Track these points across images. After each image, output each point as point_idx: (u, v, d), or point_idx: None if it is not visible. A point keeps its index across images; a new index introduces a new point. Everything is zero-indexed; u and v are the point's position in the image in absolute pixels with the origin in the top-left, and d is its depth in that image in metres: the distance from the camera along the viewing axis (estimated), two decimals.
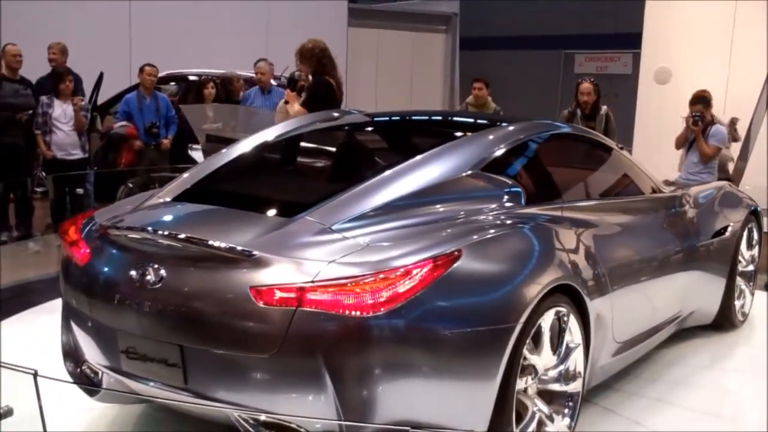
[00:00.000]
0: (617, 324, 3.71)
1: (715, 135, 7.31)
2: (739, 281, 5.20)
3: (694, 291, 4.62)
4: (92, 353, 3.23)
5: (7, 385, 2.86)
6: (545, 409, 3.22)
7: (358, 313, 2.65)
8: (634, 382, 4.26)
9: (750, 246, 5.35)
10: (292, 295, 2.67)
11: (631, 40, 12.49)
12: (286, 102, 6.09)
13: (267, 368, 2.73)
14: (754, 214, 5.34)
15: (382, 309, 2.66)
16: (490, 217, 3.26)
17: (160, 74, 9.04)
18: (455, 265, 2.81)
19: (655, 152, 8.97)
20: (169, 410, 3.50)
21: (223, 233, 2.92)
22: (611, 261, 3.68)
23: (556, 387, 3.29)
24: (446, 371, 2.80)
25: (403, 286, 2.69)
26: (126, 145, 8.42)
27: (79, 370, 3.36)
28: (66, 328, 3.42)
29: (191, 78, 10.47)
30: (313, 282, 2.68)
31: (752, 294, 5.44)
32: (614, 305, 3.64)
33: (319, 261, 2.74)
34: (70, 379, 3.36)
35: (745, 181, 8.25)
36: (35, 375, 2.34)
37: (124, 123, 8.41)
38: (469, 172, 3.43)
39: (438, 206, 3.23)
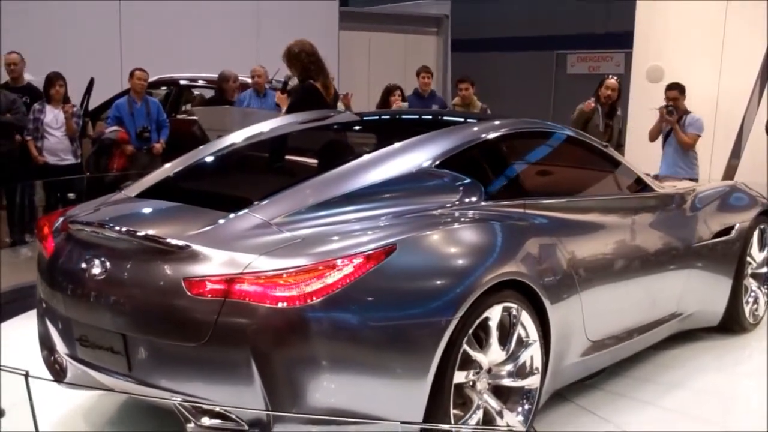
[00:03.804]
0: (590, 322, 3.66)
1: (692, 123, 7.36)
2: (751, 283, 5.02)
3: (692, 291, 4.51)
4: (58, 342, 3.34)
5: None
6: (494, 403, 3.20)
7: (284, 304, 2.69)
8: (622, 383, 4.16)
9: (762, 247, 5.12)
10: (221, 286, 2.73)
11: (623, 40, 12.51)
12: (278, 105, 6.12)
13: (199, 357, 2.79)
14: None
15: (308, 300, 2.70)
16: (442, 212, 3.25)
17: (151, 79, 9.02)
18: (388, 259, 2.83)
19: (647, 150, 8.97)
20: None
21: (168, 227, 3.03)
22: (581, 258, 3.64)
23: (509, 382, 3.27)
24: (376, 363, 2.82)
25: (331, 279, 2.73)
26: (118, 150, 8.39)
27: (52, 358, 3.46)
28: (40, 319, 3.49)
29: (182, 82, 10.46)
30: (242, 273, 2.72)
31: (766, 296, 5.19)
32: (584, 303, 3.59)
33: (251, 253, 2.78)
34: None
35: (738, 179, 8.24)
36: (26, 375, 2.38)
37: (115, 128, 8.38)
38: (422, 168, 3.41)
39: (387, 201, 3.23)
